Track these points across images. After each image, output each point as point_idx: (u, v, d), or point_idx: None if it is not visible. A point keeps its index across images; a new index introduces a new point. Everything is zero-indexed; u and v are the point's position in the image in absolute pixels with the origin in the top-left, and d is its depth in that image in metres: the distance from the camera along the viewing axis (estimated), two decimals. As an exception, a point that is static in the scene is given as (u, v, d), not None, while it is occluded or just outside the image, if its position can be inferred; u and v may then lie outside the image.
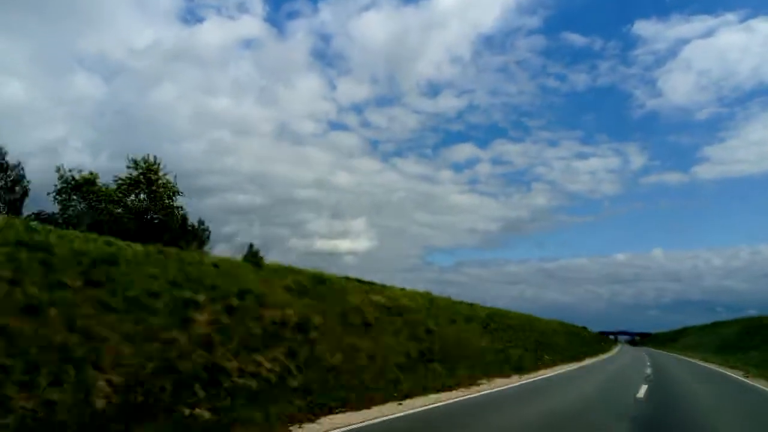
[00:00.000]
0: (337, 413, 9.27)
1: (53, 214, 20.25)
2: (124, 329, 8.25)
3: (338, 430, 8.15)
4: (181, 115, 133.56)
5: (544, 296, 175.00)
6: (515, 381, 17.15)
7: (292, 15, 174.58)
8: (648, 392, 15.06)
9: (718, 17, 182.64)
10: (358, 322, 14.93)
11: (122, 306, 8.78)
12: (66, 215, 20.26)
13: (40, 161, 41.35)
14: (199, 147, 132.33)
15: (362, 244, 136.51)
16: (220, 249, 21.34)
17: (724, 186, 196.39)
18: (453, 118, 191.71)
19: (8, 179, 20.14)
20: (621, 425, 9.53)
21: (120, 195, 21.23)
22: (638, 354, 51.20)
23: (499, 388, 15.06)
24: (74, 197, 20.71)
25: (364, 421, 8.79)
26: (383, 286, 21.55)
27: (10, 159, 20.30)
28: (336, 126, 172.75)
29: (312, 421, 8.59)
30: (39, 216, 19.33)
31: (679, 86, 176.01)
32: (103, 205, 20.68)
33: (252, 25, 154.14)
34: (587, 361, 34.10)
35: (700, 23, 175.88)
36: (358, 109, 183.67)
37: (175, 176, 22.64)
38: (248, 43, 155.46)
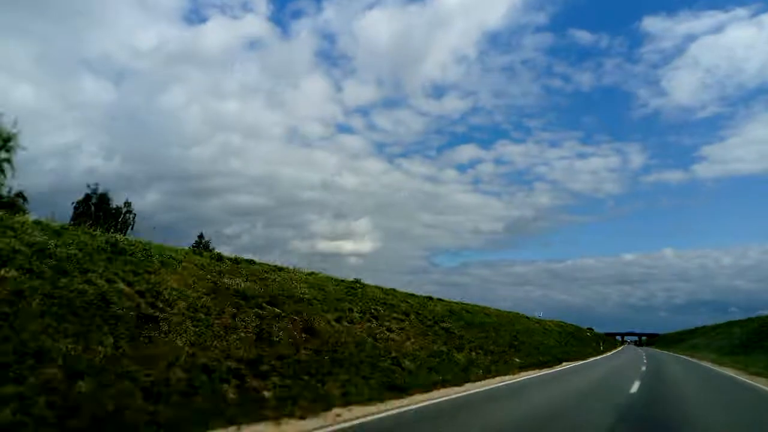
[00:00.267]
0: None
1: None
2: None
3: None
4: (189, 118, 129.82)
5: (552, 297, 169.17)
6: (407, 403, 10.75)
7: (297, 14, 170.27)
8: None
9: (729, 12, 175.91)
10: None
11: None
12: None
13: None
14: (205, 150, 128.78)
15: (366, 245, 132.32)
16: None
17: (723, 184, 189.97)
18: (457, 119, 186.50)
19: None
20: None
21: None
22: (637, 357, 44.55)
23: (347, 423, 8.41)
24: None
25: None
26: (261, 264, 15.63)
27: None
28: (343, 128, 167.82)
29: None
30: None
31: (683, 84, 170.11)
32: None
33: (256, 24, 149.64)
34: (569, 365, 27.72)
35: (709, 18, 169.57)
36: (364, 111, 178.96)
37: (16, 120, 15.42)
38: (253, 44, 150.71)
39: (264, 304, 12.13)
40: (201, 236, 44.65)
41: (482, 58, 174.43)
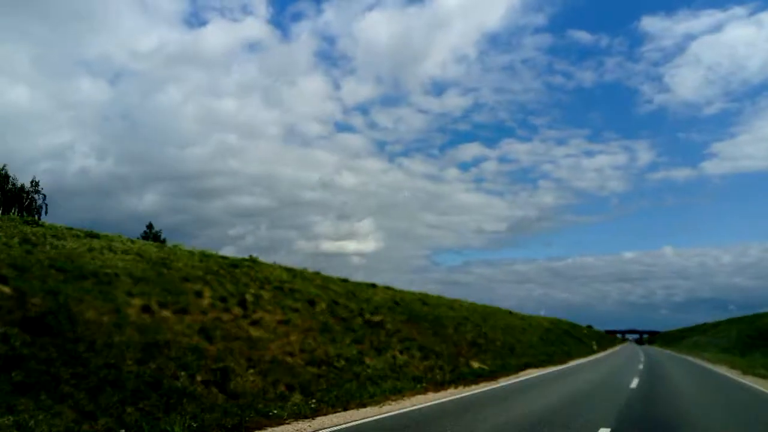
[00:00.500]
0: None
1: None
2: None
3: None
4: (188, 118, 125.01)
5: (553, 295, 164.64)
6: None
7: (297, 16, 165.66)
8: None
9: (727, 11, 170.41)
10: None
11: None
12: None
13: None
14: (204, 150, 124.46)
15: (370, 245, 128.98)
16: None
17: (732, 182, 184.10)
18: (459, 117, 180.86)
19: None
20: None
21: None
22: (634, 357, 39.21)
23: None
24: None
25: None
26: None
27: None
28: (342, 127, 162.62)
29: None
30: None
31: (687, 81, 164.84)
32: None
33: (256, 27, 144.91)
34: (532, 375, 20.66)
35: (708, 17, 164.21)
36: (363, 109, 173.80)
37: None
38: (253, 46, 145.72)
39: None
40: (150, 225, 40.11)
41: (482, 58, 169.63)
